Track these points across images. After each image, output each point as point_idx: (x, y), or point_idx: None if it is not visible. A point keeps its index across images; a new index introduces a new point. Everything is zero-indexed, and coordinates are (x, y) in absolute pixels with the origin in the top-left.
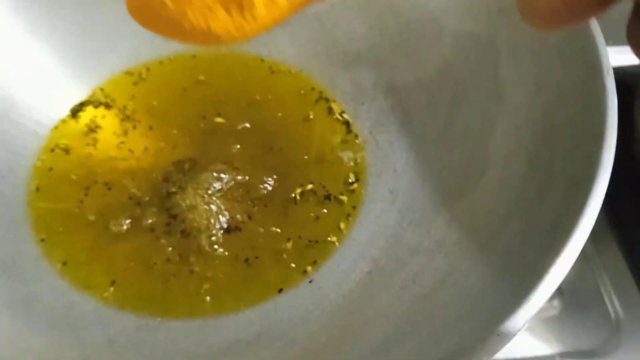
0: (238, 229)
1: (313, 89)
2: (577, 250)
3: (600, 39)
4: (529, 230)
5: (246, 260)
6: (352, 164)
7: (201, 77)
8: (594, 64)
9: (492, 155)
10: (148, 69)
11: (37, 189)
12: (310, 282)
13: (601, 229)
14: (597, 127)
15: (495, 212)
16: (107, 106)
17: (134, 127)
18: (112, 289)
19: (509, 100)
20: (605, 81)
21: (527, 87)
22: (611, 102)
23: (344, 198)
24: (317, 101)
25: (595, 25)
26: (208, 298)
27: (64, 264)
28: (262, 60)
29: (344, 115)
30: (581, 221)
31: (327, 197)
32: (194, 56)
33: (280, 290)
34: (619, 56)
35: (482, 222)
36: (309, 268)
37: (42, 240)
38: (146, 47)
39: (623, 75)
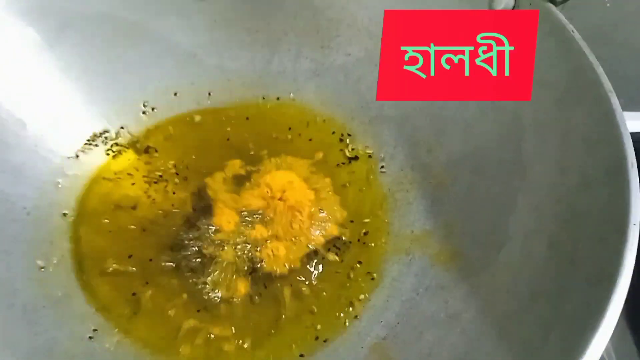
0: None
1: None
2: (600, 349)
3: (625, 131)
4: (552, 320)
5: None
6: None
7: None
8: (618, 157)
9: (512, 230)
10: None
11: (62, 227)
12: (325, 341)
13: None
14: (620, 224)
15: (515, 292)
16: (134, 147)
17: (158, 171)
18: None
19: (531, 177)
20: (629, 177)
21: (550, 167)
22: (634, 200)
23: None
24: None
25: (621, 115)
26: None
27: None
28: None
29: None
30: (604, 320)
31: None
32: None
33: (302, 356)
34: (636, 122)
35: (501, 300)
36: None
37: (64, 283)
38: (174, 86)
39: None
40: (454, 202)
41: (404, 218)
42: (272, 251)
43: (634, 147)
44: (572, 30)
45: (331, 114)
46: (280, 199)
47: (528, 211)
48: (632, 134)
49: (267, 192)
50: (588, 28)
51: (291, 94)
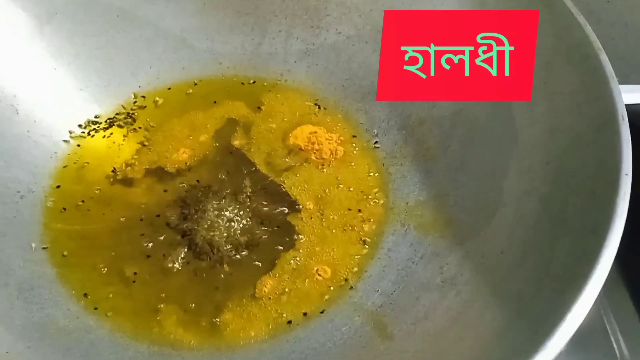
0: (253, 256)
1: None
2: (592, 298)
3: (615, 85)
4: (543, 275)
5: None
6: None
7: (218, 102)
8: (609, 111)
9: (505, 195)
10: (170, 90)
11: (54, 210)
12: (321, 312)
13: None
14: (611, 176)
15: (508, 253)
16: (127, 129)
17: (150, 150)
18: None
19: (522, 142)
20: (620, 129)
21: (541, 130)
22: (625, 151)
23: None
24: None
25: (610, 71)
26: (219, 327)
27: (80, 287)
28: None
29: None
30: (596, 269)
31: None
32: (212, 82)
33: (289, 322)
34: (629, 95)
35: (494, 262)
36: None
37: (58, 263)
38: (165, 71)
39: (632, 114)
40: (447, 172)
41: (399, 191)
42: None
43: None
44: None
45: (323, 93)
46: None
47: (520, 175)
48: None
49: None
50: (579, 5)
51: (282, 75)
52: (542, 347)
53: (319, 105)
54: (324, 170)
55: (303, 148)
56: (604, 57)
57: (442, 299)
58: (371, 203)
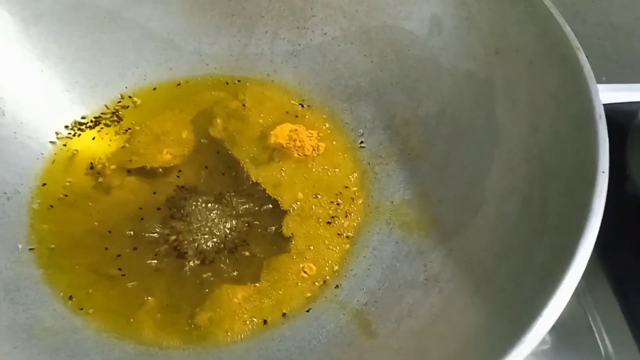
0: (237, 255)
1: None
2: (568, 293)
3: (593, 84)
4: (523, 271)
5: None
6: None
7: (203, 102)
8: (587, 110)
9: (487, 193)
10: (155, 90)
11: (41, 211)
12: (307, 311)
13: (592, 265)
14: (588, 173)
15: (490, 250)
16: (113, 129)
17: (137, 150)
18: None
19: (504, 140)
20: (598, 128)
21: (523, 129)
22: (602, 149)
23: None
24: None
25: (588, 70)
26: (207, 326)
27: (66, 288)
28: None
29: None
30: (573, 265)
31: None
32: (197, 81)
33: (275, 320)
34: (612, 94)
35: (477, 259)
36: (307, 295)
37: (45, 263)
38: (152, 72)
39: (615, 113)
40: (431, 171)
41: (384, 190)
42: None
43: (611, 116)
44: None
45: (309, 93)
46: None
47: (502, 173)
48: (608, 104)
49: None
50: (564, 6)
51: (269, 75)
52: (522, 339)
53: (302, 105)
54: (308, 168)
55: (285, 146)
56: (582, 57)
57: (426, 296)
58: (356, 202)
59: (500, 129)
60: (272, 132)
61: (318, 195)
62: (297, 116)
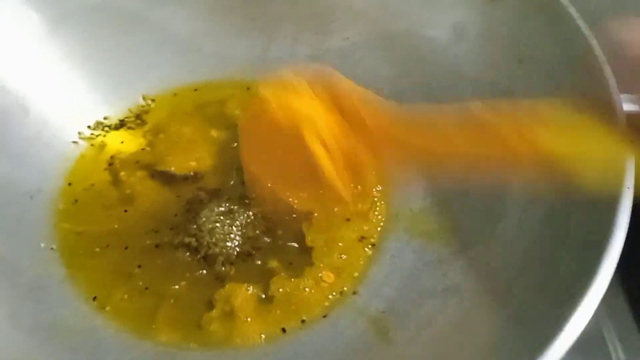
0: (257, 260)
1: None
2: (591, 308)
3: (617, 97)
4: (545, 284)
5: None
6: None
7: (224, 105)
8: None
9: (509, 204)
10: (177, 92)
11: (63, 210)
12: (324, 317)
13: None
14: (613, 187)
15: (512, 262)
16: (136, 131)
17: (159, 152)
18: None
19: None
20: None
21: None
22: (628, 163)
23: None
24: None
25: (613, 83)
26: (225, 330)
27: (88, 287)
28: None
29: None
30: (596, 280)
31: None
32: (218, 85)
33: (293, 325)
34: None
35: (498, 270)
36: (325, 303)
37: (67, 262)
38: (173, 74)
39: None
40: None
41: (403, 197)
42: None
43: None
44: (567, 4)
45: None
46: None
47: (524, 185)
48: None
49: None
50: (584, 14)
51: None
52: (543, 354)
53: None
54: None
55: None
56: (607, 70)
57: (445, 305)
58: (376, 209)
59: None
60: None
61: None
62: None
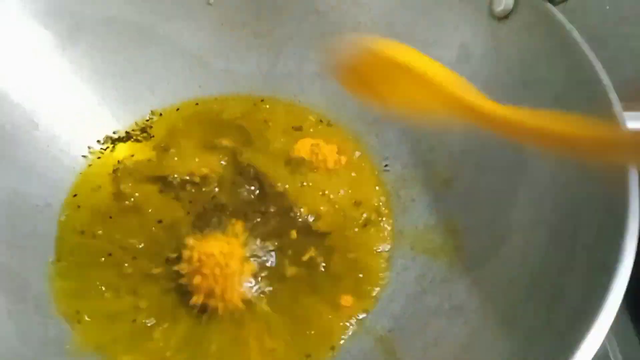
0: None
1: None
2: (601, 336)
3: (623, 122)
4: (553, 307)
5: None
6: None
7: (231, 119)
8: None
9: (514, 223)
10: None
11: (71, 224)
12: None
13: None
14: (619, 212)
15: (517, 283)
16: (144, 144)
17: (165, 166)
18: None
19: (531, 171)
20: (628, 167)
21: (549, 161)
22: (633, 188)
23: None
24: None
25: (619, 109)
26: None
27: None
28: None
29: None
30: (605, 305)
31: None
32: (225, 100)
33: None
34: (635, 122)
35: (503, 291)
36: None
37: (75, 277)
38: (181, 88)
39: None
40: (457, 197)
41: (408, 214)
42: None
43: None
44: (571, 29)
45: (335, 114)
46: None
47: (529, 204)
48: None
49: None
50: (587, 30)
51: (296, 95)
52: None
53: (327, 123)
54: (333, 190)
55: (307, 159)
56: (613, 95)
57: (451, 325)
58: (382, 225)
59: (527, 160)
60: (294, 147)
61: (344, 220)
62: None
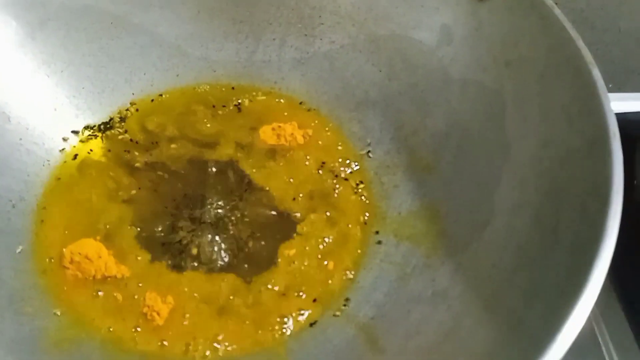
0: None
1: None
2: (584, 316)
3: (607, 101)
4: (535, 290)
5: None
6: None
7: (214, 109)
8: (600, 127)
9: (497, 207)
10: (162, 97)
11: (45, 218)
12: (312, 325)
13: None
14: (602, 192)
15: (500, 266)
16: (120, 136)
17: (146, 159)
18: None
19: (514, 153)
20: (612, 146)
21: (533, 142)
22: (617, 168)
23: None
24: None
25: (602, 86)
26: (212, 338)
27: (71, 298)
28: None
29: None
30: (587, 286)
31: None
32: (206, 88)
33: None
34: (619, 103)
35: (486, 275)
36: (311, 310)
37: (49, 272)
38: (159, 78)
39: (623, 122)
40: (440, 182)
41: (391, 201)
42: None
43: (620, 126)
44: (552, 6)
45: (316, 101)
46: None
47: (512, 187)
48: (617, 114)
49: None
50: (573, 13)
51: (276, 83)
52: None
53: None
54: (310, 173)
55: (276, 143)
56: (596, 72)
57: (434, 312)
58: (364, 212)
59: (510, 142)
60: (259, 132)
61: (324, 205)
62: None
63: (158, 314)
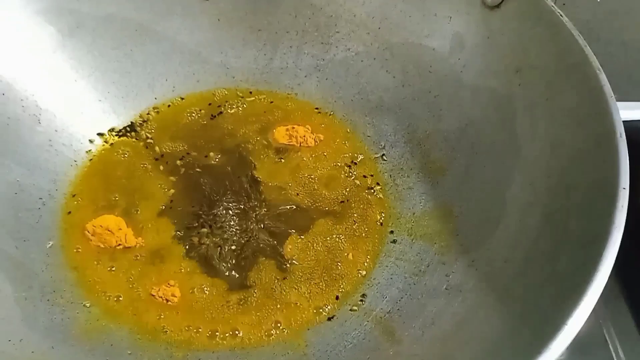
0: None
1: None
2: (590, 306)
3: (614, 104)
4: (545, 283)
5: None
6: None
7: (229, 112)
8: (607, 129)
9: (508, 206)
10: (182, 101)
11: (74, 215)
12: (329, 319)
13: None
14: (610, 189)
15: (512, 262)
16: (143, 139)
17: (167, 162)
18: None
19: (525, 155)
20: (618, 146)
21: (543, 144)
22: (623, 166)
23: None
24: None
25: (609, 90)
26: (234, 331)
27: (100, 290)
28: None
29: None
30: (595, 279)
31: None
32: (225, 93)
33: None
34: (626, 112)
35: (498, 270)
36: (330, 305)
37: (79, 266)
38: (180, 83)
39: (627, 130)
40: (453, 184)
41: (405, 202)
42: None
43: (626, 134)
44: (560, 15)
45: (332, 106)
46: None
47: (523, 187)
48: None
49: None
50: (578, 24)
51: (293, 89)
52: (544, 350)
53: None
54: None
55: (287, 143)
56: (602, 77)
57: (448, 305)
58: (380, 213)
59: (521, 145)
60: (273, 131)
61: (332, 200)
62: (322, 125)
63: (178, 301)
